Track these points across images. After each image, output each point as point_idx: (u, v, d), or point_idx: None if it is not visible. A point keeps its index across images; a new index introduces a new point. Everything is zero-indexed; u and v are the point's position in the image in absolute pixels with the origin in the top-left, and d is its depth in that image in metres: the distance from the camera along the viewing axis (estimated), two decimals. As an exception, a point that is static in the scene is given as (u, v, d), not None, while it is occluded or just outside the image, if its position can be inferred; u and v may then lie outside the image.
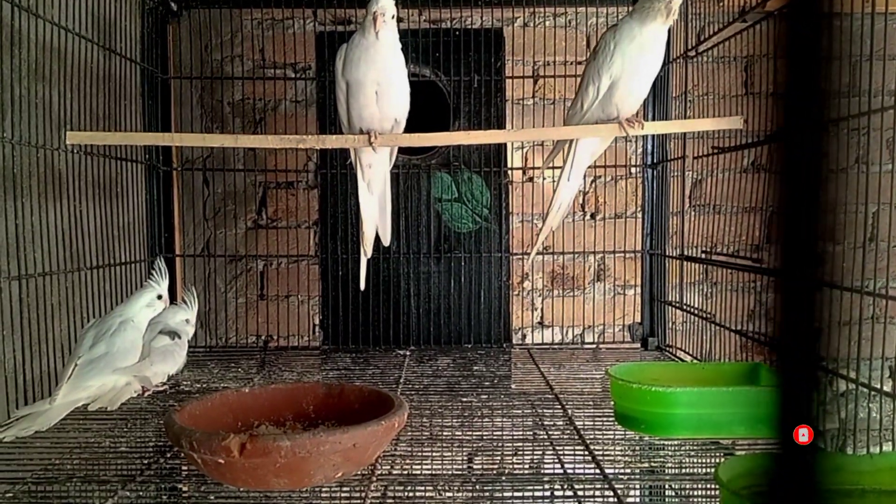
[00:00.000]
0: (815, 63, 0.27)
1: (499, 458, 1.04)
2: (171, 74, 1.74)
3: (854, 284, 1.07)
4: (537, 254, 1.74)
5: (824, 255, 0.27)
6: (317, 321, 1.80)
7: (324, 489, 0.88)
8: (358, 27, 1.25)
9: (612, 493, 0.87)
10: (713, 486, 0.91)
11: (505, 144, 1.76)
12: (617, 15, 1.70)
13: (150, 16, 1.67)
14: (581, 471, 0.95)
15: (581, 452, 1.01)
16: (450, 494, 0.91)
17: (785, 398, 0.29)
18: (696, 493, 1.00)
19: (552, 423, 1.14)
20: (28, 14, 1.15)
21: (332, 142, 1.33)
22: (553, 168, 1.65)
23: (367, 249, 1.41)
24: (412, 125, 1.33)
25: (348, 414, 0.96)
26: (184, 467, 0.97)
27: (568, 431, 1.09)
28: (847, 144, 1.67)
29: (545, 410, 1.20)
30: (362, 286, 1.44)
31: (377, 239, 1.42)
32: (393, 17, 1.21)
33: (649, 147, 1.77)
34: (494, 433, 1.11)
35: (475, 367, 1.52)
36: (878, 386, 1.02)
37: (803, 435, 0.30)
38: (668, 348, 1.71)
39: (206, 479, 0.89)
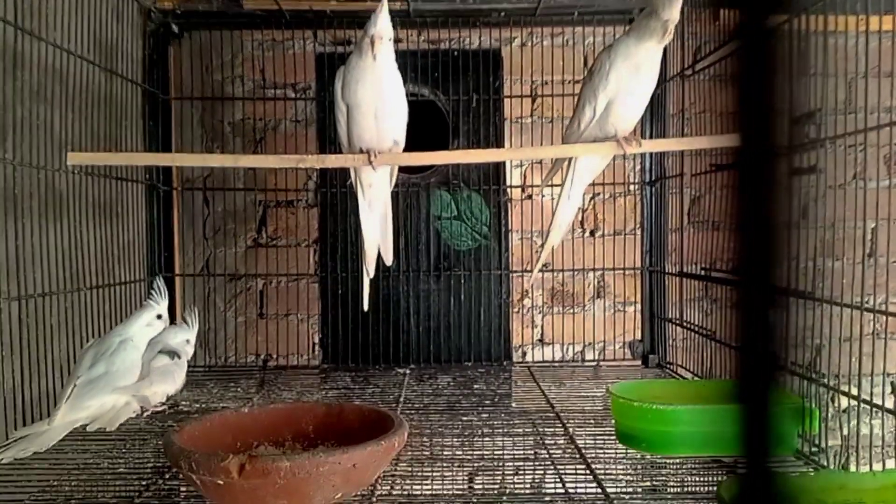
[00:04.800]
0: (764, 88, 0.29)
1: (500, 477, 1.03)
2: (172, 95, 1.75)
3: (854, 301, 1.07)
4: (538, 272, 1.74)
5: (777, 265, 0.29)
6: (316, 340, 1.80)
7: (323, 510, 0.88)
8: (355, 49, 1.26)
9: (613, 513, 0.87)
10: (716, 505, 0.90)
11: (504, 163, 1.77)
12: (614, 34, 1.71)
13: (152, 37, 1.68)
14: (583, 490, 0.95)
15: (582, 471, 1.00)
16: (450, 515, 0.90)
17: (746, 410, 0.29)
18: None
19: (553, 441, 1.14)
20: (30, 37, 1.16)
21: (332, 161, 1.34)
22: (552, 186, 1.66)
23: (369, 270, 1.41)
24: (412, 144, 1.34)
25: (348, 434, 0.95)
26: (183, 488, 0.97)
27: (569, 450, 1.09)
28: (845, 161, 1.68)
29: (546, 429, 1.20)
30: (366, 307, 1.44)
31: (378, 258, 1.42)
32: (390, 40, 1.22)
33: (647, 164, 1.78)
34: (495, 452, 1.11)
35: (475, 386, 1.52)
36: (880, 402, 1.02)
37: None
38: (668, 365, 1.71)
39: (205, 501, 0.88)
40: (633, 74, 1.22)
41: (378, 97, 1.23)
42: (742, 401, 0.30)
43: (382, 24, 1.19)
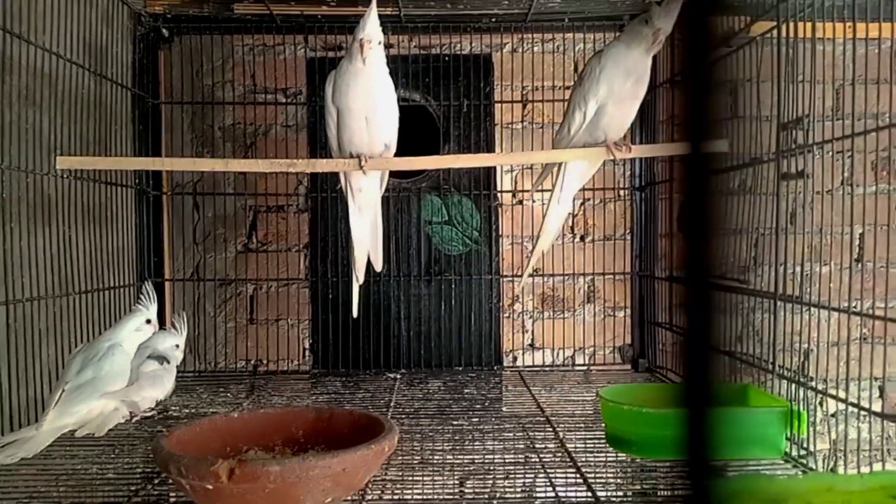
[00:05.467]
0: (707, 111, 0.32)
1: (490, 482, 1.03)
2: (163, 100, 1.75)
3: (842, 305, 1.07)
4: (528, 276, 1.74)
5: (717, 262, 0.33)
6: (307, 345, 1.79)
7: (313, 515, 0.87)
8: (345, 53, 1.26)
9: (603, 517, 0.87)
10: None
11: (494, 168, 1.77)
12: (604, 40, 1.72)
13: (142, 42, 1.68)
14: (573, 494, 0.95)
15: (573, 475, 1.00)
16: (441, 519, 0.90)
17: (689, 400, 0.31)
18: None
19: (543, 445, 1.14)
20: (20, 40, 1.16)
21: (322, 166, 1.34)
22: (542, 191, 1.66)
23: (359, 275, 1.41)
24: (403, 149, 1.34)
25: (338, 438, 0.95)
26: (172, 494, 0.96)
27: (559, 454, 1.09)
28: (832, 167, 1.70)
29: (536, 433, 1.20)
30: (355, 313, 1.44)
31: (368, 264, 1.42)
32: (380, 44, 1.22)
33: (637, 170, 1.79)
34: (486, 457, 1.11)
35: (466, 390, 1.52)
36: (868, 406, 1.03)
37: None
38: (658, 370, 1.71)
39: (195, 506, 0.88)
40: (624, 80, 1.22)
41: (369, 101, 1.23)
42: (686, 393, 0.31)
43: (371, 28, 1.20)
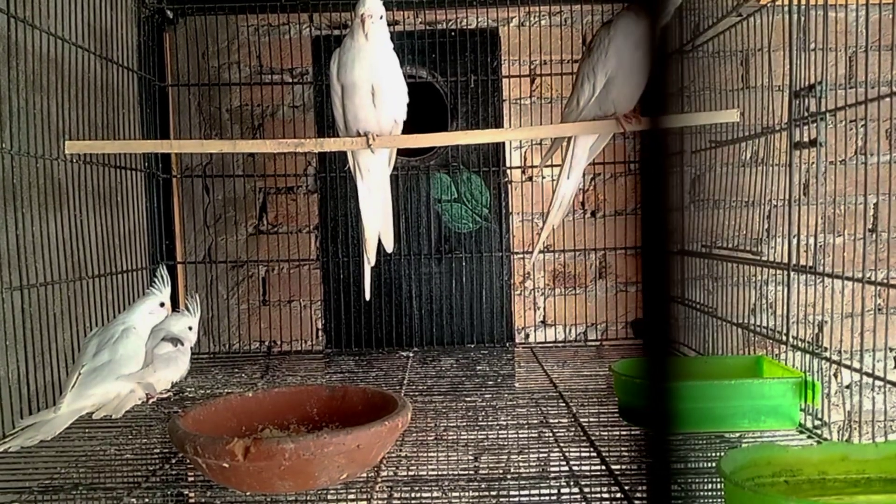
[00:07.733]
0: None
1: (504, 457, 1.04)
2: (169, 82, 1.74)
3: (856, 275, 1.06)
4: (539, 252, 1.74)
5: (672, 233, 0.34)
6: (319, 325, 1.80)
7: (329, 491, 0.88)
8: (349, 30, 1.25)
9: (618, 490, 0.87)
10: (720, 481, 0.91)
11: (503, 144, 1.76)
12: (612, 12, 1.70)
13: (147, 24, 1.67)
14: (587, 468, 0.95)
15: (586, 450, 1.01)
16: (456, 495, 0.91)
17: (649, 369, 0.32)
18: (703, 487, 1.00)
19: (557, 421, 1.14)
20: (25, 25, 1.15)
21: (330, 145, 1.33)
22: (552, 166, 1.65)
23: (370, 257, 1.40)
24: (410, 127, 1.33)
25: (352, 416, 0.96)
26: (189, 473, 0.98)
27: (573, 429, 1.09)
28: (846, 136, 1.67)
29: (550, 409, 1.20)
30: (367, 296, 1.44)
31: (379, 244, 1.42)
32: (382, 18, 1.21)
33: (648, 143, 1.77)
34: (499, 433, 1.11)
35: (478, 367, 1.52)
36: (883, 376, 1.02)
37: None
38: (671, 343, 1.71)
39: (212, 484, 0.89)
40: (633, 51, 1.21)
41: (373, 77, 1.23)
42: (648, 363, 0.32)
43: (371, 3, 1.19)
